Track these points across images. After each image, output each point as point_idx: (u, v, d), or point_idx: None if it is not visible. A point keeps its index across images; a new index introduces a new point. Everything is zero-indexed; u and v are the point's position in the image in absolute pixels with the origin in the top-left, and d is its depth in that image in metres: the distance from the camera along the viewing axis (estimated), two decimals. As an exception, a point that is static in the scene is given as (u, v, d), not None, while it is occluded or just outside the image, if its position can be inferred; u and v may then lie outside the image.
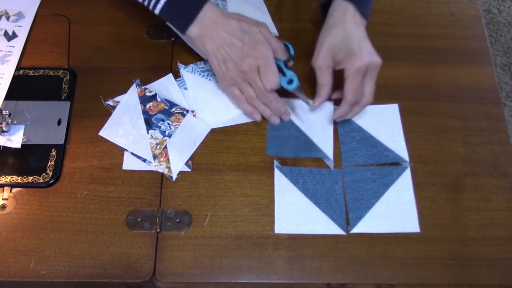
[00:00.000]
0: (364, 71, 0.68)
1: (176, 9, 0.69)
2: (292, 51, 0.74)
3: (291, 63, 0.73)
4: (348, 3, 0.71)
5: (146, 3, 0.70)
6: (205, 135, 0.74)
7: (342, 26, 0.69)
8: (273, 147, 0.73)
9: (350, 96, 0.69)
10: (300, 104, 0.77)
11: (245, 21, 0.70)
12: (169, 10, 0.69)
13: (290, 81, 0.71)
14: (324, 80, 0.71)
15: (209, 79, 0.79)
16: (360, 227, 0.68)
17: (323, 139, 0.74)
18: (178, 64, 0.80)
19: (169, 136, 0.74)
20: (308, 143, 0.73)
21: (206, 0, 0.69)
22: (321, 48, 0.70)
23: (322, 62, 0.70)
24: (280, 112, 0.73)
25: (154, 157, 0.72)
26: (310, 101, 0.75)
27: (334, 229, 0.68)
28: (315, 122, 0.76)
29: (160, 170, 0.71)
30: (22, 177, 0.70)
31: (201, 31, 0.69)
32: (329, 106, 0.76)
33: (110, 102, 0.76)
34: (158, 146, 0.73)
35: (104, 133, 0.74)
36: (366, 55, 0.67)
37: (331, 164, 0.72)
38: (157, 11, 0.70)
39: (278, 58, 0.71)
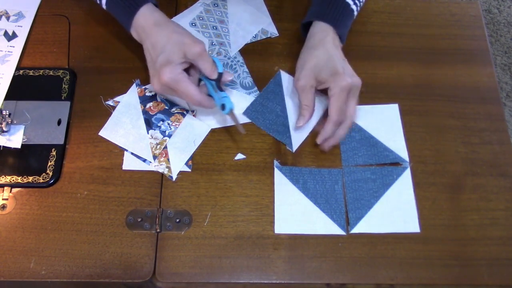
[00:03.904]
0: (348, 90, 0.69)
1: (116, 10, 0.71)
2: (220, 68, 0.69)
3: (225, 80, 0.70)
4: (328, 26, 0.72)
5: None
6: (205, 135, 0.74)
7: (324, 48, 0.71)
8: (252, 111, 0.76)
9: (334, 116, 0.69)
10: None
11: (172, 39, 0.66)
12: (111, 9, 0.72)
13: (222, 106, 0.69)
14: (307, 101, 0.71)
15: (209, 79, 0.79)
16: (360, 227, 0.68)
17: (300, 130, 0.74)
18: (178, 64, 0.80)
19: (169, 136, 0.74)
20: (283, 126, 0.74)
21: (141, 4, 0.68)
22: (303, 69, 0.71)
23: (305, 83, 0.70)
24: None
25: (154, 157, 0.72)
26: (242, 130, 0.71)
27: (334, 229, 0.68)
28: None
29: (160, 170, 0.71)
30: (22, 177, 0.70)
31: (137, 37, 0.71)
32: (322, 101, 0.76)
33: (110, 102, 0.76)
34: (158, 146, 0.73)
35: (104, 133, 0.74)
36: (349, 75, 0.70)
37: (291, 148, 0.73)
38: (104, 7, 0.73)
39: (208, 77, 0.69)
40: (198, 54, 0.66)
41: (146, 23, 0.68)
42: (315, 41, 0.72)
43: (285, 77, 0.78)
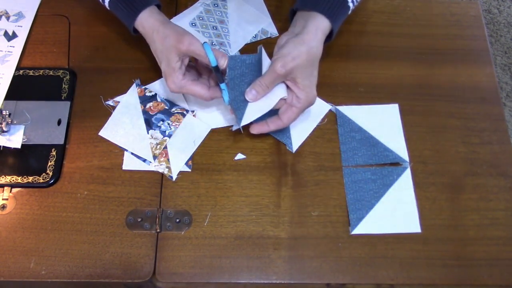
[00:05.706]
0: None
1: (118, 13, 0.72)
2: (213, 62, 0.67)
3: (222, 66, 0.68)
4: (323, 18, 0.68)
5: None
6: (205, 135, 0.74)
7: (309, 46, 0.66)
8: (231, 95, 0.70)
9: (287, 123, 0.70)
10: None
11: (164, 45, 0.67)
12: (114, 11, 0.72)
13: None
14: (270, 83, 0.67)
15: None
16: (361, 228, 0.68)
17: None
18: (178, 64, 0.79)
19: (169, 136, 0.74)
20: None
21: (141, 9, 0.69)
22: (286, 57, 0.65)
23: (282, 70, 0.65)
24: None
25: (154, 157, 0.72)
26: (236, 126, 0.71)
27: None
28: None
29: (160, 170, 0.71)
30: (22, 177, 0.70)
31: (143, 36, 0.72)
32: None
33: (110, 102, 0.76)
34: (158, 146, 0.73)
35: (104, 133, 0.74)
36: (315, 92, 0.68)
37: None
38: (107, 7, 0.73)
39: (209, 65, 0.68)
40: (186, 51, 0.67)
41: (145, 30, 0.70)
42: (304, 34, 0.67)
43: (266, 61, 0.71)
